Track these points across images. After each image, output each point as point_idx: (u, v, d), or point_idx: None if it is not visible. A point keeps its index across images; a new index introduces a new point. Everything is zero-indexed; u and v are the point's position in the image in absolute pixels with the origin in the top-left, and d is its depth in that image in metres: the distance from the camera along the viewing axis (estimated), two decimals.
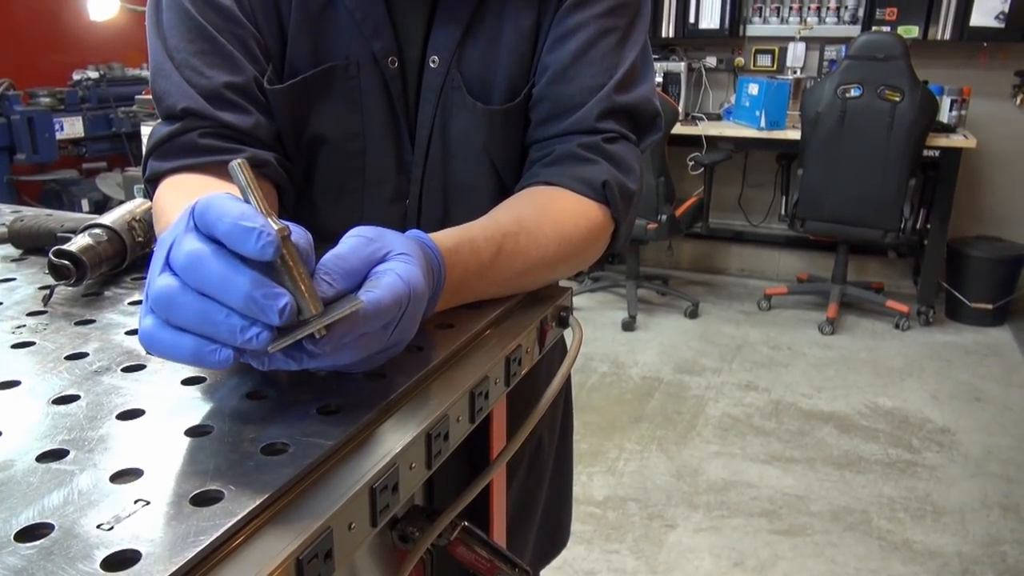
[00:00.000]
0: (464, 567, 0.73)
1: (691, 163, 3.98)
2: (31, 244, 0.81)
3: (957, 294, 3.92)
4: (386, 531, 0.66)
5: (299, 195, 0.82)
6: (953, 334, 3.83)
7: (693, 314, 4.01)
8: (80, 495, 0.40)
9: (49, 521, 0.37)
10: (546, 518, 1.09)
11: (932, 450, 2.77)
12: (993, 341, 3.75)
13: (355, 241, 0.51)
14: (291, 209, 0.81)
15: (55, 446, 0.44)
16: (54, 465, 0.42)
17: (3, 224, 0.86)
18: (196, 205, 0.44)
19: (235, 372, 0.54)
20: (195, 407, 0.49)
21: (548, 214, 0.73)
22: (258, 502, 0.39)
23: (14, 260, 0.81)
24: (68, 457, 0.43)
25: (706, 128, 4.07)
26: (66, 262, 0.67)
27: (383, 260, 0.51)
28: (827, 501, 2.46)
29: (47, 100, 4.27)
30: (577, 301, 4.17)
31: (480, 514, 0.76)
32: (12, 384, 0.52)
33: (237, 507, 0.39)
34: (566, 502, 1.17)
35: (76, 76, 4.48)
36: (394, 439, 0.48)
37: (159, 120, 0.76)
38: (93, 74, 4.46)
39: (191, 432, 0.46)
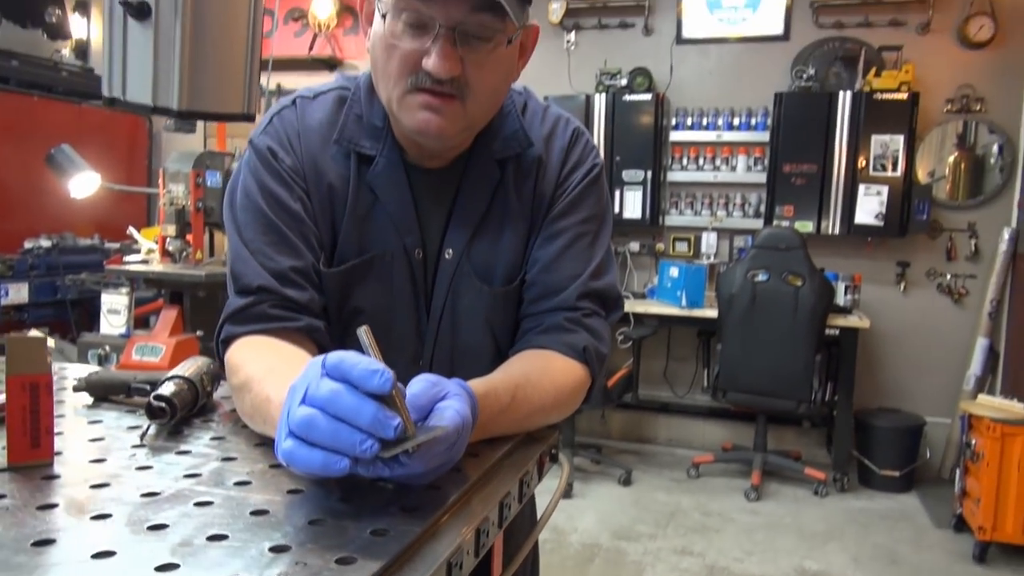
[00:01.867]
0: None
1: (620, 337, 4.31)
2: (104, 393, 0.96)
3: (867, 462, 4.22)
4: None
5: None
6: (867, 500, 4.08)
7: (627, 482, 4.17)
8: (251, 561, 0.55)
9: None
10: None
11: None
12: (903, 507, 4.01)
13: (423, 385, 0.70)
14: None
15: (216, 532, 0.59)
16: (223, 543, 0.58)
17: (69, 377, 1.01)
18: (327, 359, 0.64)
19: (323, 485, 0.70)
20: (304, 508, 0.66)
21: (546, 371, 0.93)
22: (380, 565, 0.56)
23: (89, 407, 0.95)
24: (229, 539, 0.59)
25: (633, 306, 4.44)
26: (163, 404, 0.83)
27: (443, 399, 0.70)
28: None
29: None
30: None
31: None
32: (155, 494, 0.67)
33: (368, 567, 0.55)
34: None
35: (28, 244, 4.59)
36: (456, 530, 0.65)
37: (234, 294, 0.95)
38: (46, 243, 4.59)
39: (312, 523, 0.62)
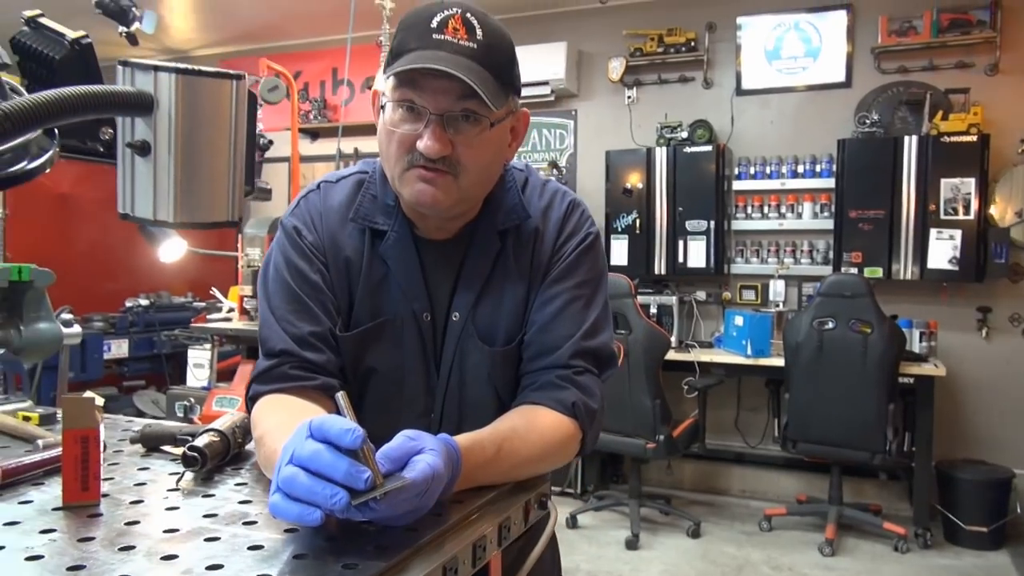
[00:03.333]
0: None
1: (686, 387, 4.30)
2: (155, 443, 1.11)
3: (952, 517, 4.03)
4: None
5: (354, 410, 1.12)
6: (952, 557, 3.89)
7: (695, 534, 4.11)
8: (245, 569, 0.66)
9: None
10: None
11: None
12: (992, 565, 3.81)
13: (402, 439, 0.81)
14: None
15: (215, 563, 0.71)
16: (218, 572, 0.69)
17: (131, 430, 1.16)
18: (312, 422, 0.75)
19: (316, 527, 0.81)
20: (293, 545, 0.76)
21: (534, 425, 1.02)
22: None
23: (143, 455, 1.10)
24: (224, 569, 0.70)
25: (698, 355, 4.43)
26: (195, 455, 0.96)
27: (419, 452, 0.80)
28: None
29: (100, 324, 4.73)
30: (581, 519, 4.29)
31: None
32: (175, 531, 0.79)
33: None
34: None
35: (128, 303, 4.98)
36: (422, 567, 0.74)
37: (262, 356, 1.08)
38: (144, 301, 4.97)
39: (296, 557, 0.73)
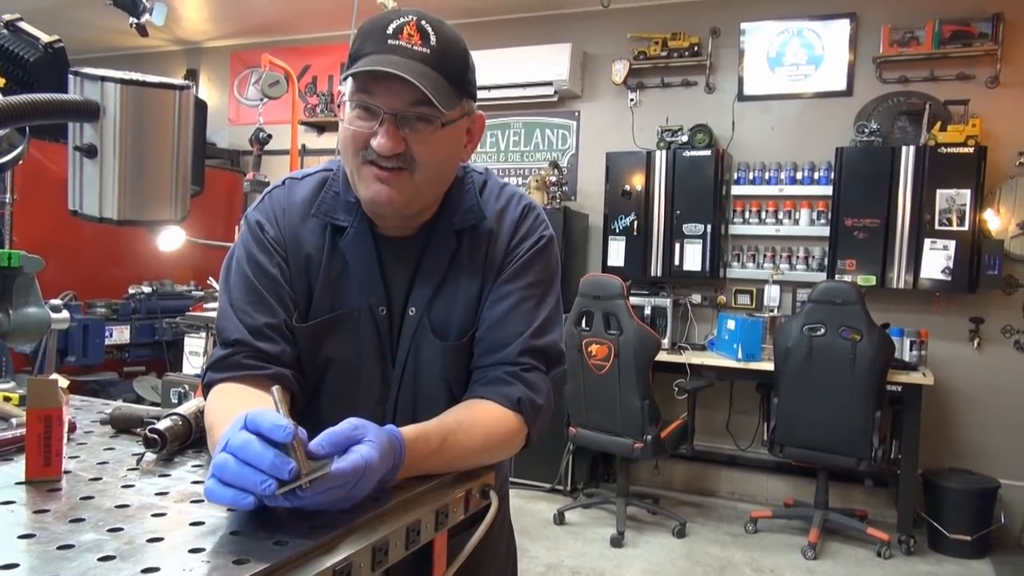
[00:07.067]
0: None
1: (676, 389, 4.34)
2: (124, 425, 1.16)
3: (936, 524, 4.06)
4: None
5: (311, 399, 1.18)
6: (934, 564, 3.92)
7: (680, 533, 4.16)
8: (172, 556, 0.72)
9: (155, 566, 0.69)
10: None
11: None
12: (974, 573, 3.84)
13: (345, 426, 0.86)
14: (302, 409, 1.16)
15: (156, 536, 0.76)
16: (158, 544, 0.74)
17: (105, 412, 1.22)
18: (248, 414, 0.80)
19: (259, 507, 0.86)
20: (234, 522, 0.82)
21: (478, 419, 1.07)
22: (265, 566, 0.71)
23: (112, 436, 1.15)
24: (164, 541, 0.75)
25: (689, 357, 4.47)
26: (156, 436, 1.02)
27: (359, 442, 0.85)
28: None
29: (103, 310, 4.81)
30: (568, 516, 4.34)
31: None
32: (125, 506, 0.85)
33: (255, 567, 0.70)
34: None
35: (131, 290, 5.06)
36: (352, 547, 0.79)
37: (217, 345, 1.13)
38: (147, 289, 5.05)
39: (233, 533, 0.78)
